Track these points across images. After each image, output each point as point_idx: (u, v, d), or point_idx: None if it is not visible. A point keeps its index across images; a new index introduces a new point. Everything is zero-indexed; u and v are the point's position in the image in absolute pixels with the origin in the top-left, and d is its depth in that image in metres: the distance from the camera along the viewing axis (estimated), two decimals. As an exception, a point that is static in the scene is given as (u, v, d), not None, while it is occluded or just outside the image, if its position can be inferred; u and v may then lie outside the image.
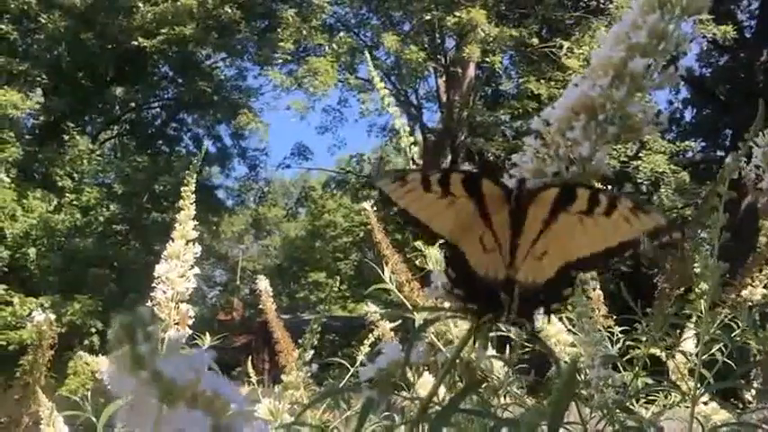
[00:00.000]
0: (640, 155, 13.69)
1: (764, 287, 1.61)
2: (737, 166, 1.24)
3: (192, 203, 1.58)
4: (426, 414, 0.68)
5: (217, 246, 23.66)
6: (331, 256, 25.82)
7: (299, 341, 1.77)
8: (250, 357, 2.48)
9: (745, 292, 1.62)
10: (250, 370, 1.96)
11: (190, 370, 0.35)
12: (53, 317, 1.50)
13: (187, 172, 1.60)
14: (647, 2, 0.67)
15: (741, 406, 1.88)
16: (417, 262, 1.39)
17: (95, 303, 13.18)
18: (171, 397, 0.34)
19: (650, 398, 1.84)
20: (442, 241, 0.71)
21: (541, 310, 0.68)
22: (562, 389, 0.51)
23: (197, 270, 1.58)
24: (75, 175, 15.27)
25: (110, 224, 15.39)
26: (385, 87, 1.33)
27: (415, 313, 1.33)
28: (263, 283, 1.86)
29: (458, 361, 0.73)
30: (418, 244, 1.36)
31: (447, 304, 0.73)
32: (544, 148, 0.69)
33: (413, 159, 1.33)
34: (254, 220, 25.79)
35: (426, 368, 0.85)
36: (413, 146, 1.18)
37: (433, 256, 1.28)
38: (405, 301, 1.52)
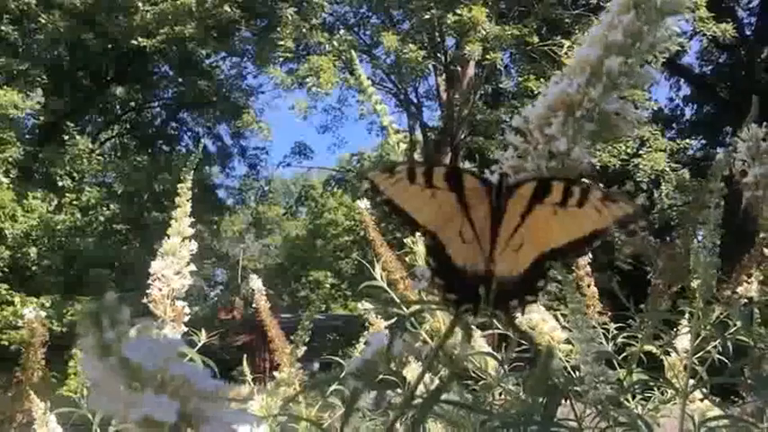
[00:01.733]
0: (641, 152, 13.69)
1: (760, 283, 1.61)
2: (729, 161, 1.24)
3: (188, 200, 1.58)
4: (411, 404, 0.68)
5: (218, 245, 23.67)
6: (332, 255, 25.83)
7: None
8: (246, 356, 2.48)
9: (740, 289, 1.61)
10: (245, 369, 1.96)
11: (158, 356, 0.35)
12: (44, 314, 1.50)
13: (183, 169, 1.61)
14: (622, 2, 0.68)
15: (741, 402, 1.88)
16: (407, 259, 1.39)
17: (96, 303, 13.15)
18: (138, 382, 0.35)
19: (647, 395, 1.84)
20: (423, 231, 0.72)
21: (516, 301, 0.69)
22: (538, 376, 0.51)
23: (193, 267, 1.58)
24: (76, 174, 15.28)
25: (110, 224, 15.40)
26: (373, 85, 1.32)
27: (404, 309, 1.33)
28: (256, 283, 1.86)
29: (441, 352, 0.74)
30: (408, 241, 1.36)
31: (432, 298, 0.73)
32: (524, 145, 0.70)
33: (409, 156, 1.33)
34: (255, 219, 25.79)
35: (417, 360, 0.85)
36: (401, 143, 1.19)
37: (422, 253, 1.28)
38: (395, 297, 1.52)
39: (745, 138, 1.05)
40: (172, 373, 0.35)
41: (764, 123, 1.12)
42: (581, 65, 0.70)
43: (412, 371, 0.81)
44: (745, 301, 1.56)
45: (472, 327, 0.72)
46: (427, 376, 0.80)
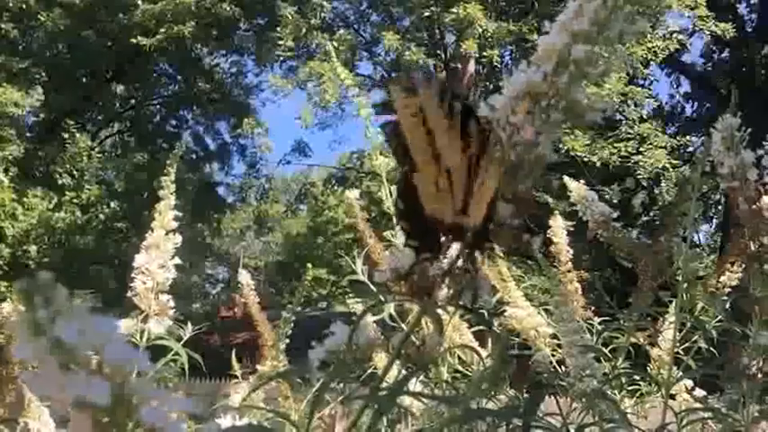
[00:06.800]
0: (641, 150, 13.65)
1: (743, 272, 1.60)
2: (708, 153, 1.24)
3: (171, 193, 1.58)
4: (377, 395, 0.68)
5: (218, 243, 23.66)
6: (332, 253, 25.80)
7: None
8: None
9: (723, 278, 1.62)
10: (235, 365, 1.96)
11: (93, 336, 0.36)
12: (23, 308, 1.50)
13: (168, 162, 1.61)
14: (590, -11, 0.68)
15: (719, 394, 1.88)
16: (387, 252, 1.40)
17: (97, 300, 13.18)
18: (72, 363, 0.35)
19: (633, 387, 1.84)
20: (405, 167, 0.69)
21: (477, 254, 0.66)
22: (495, 361, 0.52)
23: (178, 260, 1.58)
24: (76, 172, 15.28)
25: (111, 221, 15.40)
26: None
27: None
28: (244, 277, 1.86)
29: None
30: (387, 234, 1.36)
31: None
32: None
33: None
34: (256, 217, 25.78)
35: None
36: (378, 135, 1.19)
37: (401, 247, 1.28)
38: (374, 289, 1.52)
39: (721, 128, 1.05)
40: (108, 356, 0.36)
41: (745, 113, 1.12)
42: (547, 53, 0.70)
43: (381, 362, 0.82)
44: (729, 290, 1.56)
45: (443, 318, 0.72)
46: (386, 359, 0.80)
